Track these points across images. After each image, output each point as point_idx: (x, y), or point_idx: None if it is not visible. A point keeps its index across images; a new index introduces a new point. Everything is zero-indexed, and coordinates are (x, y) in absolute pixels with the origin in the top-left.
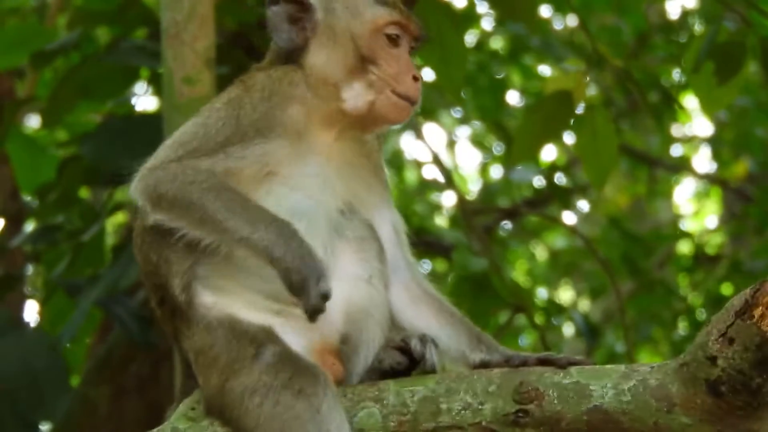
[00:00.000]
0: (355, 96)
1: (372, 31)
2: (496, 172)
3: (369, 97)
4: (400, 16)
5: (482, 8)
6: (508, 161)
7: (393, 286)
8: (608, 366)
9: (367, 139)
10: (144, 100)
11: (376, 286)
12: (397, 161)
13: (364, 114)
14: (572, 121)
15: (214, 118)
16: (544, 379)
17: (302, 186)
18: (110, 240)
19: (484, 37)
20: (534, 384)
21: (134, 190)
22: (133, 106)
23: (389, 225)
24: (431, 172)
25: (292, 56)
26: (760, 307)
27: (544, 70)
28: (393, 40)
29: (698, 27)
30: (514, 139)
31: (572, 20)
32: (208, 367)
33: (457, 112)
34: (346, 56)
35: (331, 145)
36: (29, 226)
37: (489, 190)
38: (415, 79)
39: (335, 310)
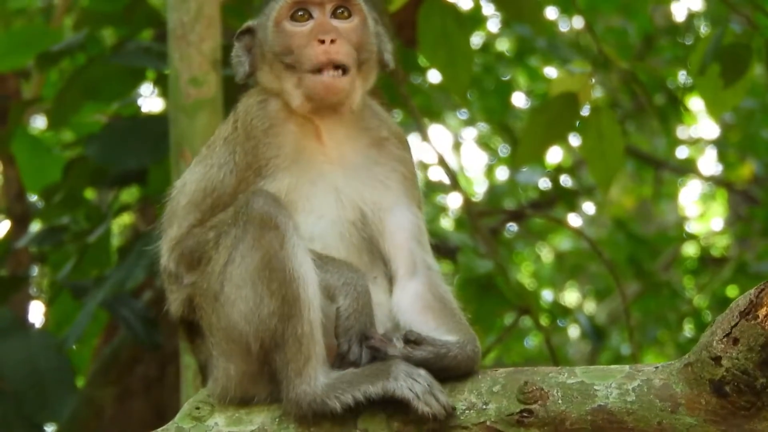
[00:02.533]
0: (291, 93)
1: (275, 26)
2: (502, 173)
3: (298, 89)
4: None
5: (488, 10)
6: (513, 163)
7: (407, 290)
8: (613, 366)
9: (371, 125)
10: (150, 102)
11: (381, 285)
12: None
13: (309, 105)
14: (578, 122)
15: (216, 169)
16: (548, 378)
17: (313, 207)
18: (116, 241)
19: (490, 38)
20: (538, 384)
21: (168, 262)
22: (139, 108)
23: (405, 226)
24: (437, 174)
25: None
26: (765, 308)
27: (550, 71)
28: (300, 20)
29: (704, 29)
30: (519, 141)
31: (578, 22)
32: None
33: (462, 114)
34: (272, 61)
35: (332, 150)
36: (35, 227)
37: (495, 191)
38: (321, 41)
39: None
